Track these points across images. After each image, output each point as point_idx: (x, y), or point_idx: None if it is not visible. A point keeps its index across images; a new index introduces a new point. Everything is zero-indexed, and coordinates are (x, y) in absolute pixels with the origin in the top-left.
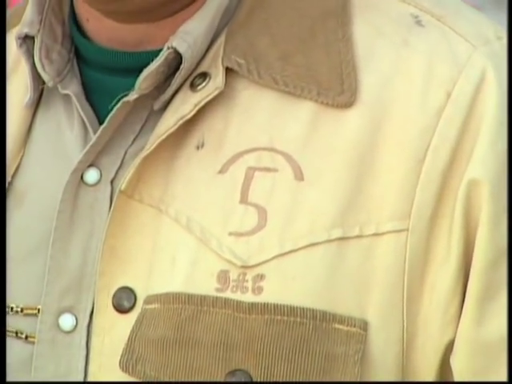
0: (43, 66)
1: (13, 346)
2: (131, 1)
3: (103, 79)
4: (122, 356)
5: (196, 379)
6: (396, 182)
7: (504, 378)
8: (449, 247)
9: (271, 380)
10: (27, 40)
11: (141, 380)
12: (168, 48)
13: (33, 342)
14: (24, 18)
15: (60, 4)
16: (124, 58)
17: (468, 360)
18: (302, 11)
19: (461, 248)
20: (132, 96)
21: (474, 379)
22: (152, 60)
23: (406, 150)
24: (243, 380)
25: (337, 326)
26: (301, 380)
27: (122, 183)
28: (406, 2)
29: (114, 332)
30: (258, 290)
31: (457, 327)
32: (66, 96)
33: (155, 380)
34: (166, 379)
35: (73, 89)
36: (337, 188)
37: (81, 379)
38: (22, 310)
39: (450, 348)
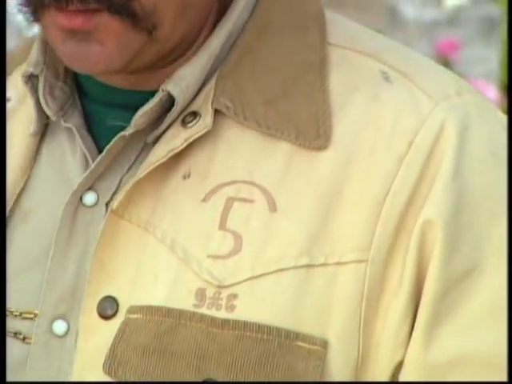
0: (47, 102)
1: (12, 346)
2: (129, 68)
3: (103, 112)
4: (105, 359)
5: None
6: (359, 219)
7: None
8: (401, 279)
9: None
10: (32, 78)
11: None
12: (162, 90)
13: (29, 343)
14: (30, 58)
15: None
16: (123, 95)
17: (415, 379)
18: (285, 63)
19: (413, 280)
20: (128, 131)
21: None
22: (147, 99)
23: (369, 192)
24: None
25: (299, 343)
26: None
27: (114, 203)
28: (377, 59)
29: (97, 336)
30: (230, 308)
31: (406, 350)
32: (70, 128)
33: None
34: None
35: (74, 122)
36: (306, 220)
37: (69, 379)
38: (20, 314)
39: (399, 368)
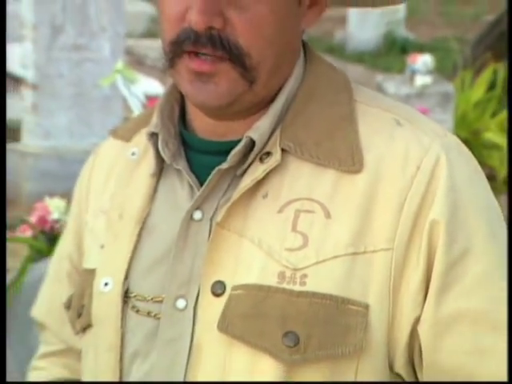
0: (164, 152)
1: (145, 322)
2: (229, 109)
3: (201, 158)
4: (218, 322)
5: (264, 338)
6: (386, 220)
7: (453, 342)
8: (418, 261)
9: (310, 338)
10: (153, 135)
11: (230, 337)
12: (246, 137)
13: (158, 318)
14: (151, 123)
15: (172, 114)
16: (215, 145)
17: (429, 328)
18: (325, 116)
19: (425, 261)
20: (224, 166)
21: (433, 341)
22: (232, 146)
23: (392, 201)
24: (293, 338)
25: (350, 306)
26: (329, 338)
27: (218, 218)
28: (389, 111)
29: (211, 308)
30: (303, 284)
31: (421, 309)
32: (178, 169)
33: (240, 337)
34: (246, 337)
35: (182, 164)
36: (351, 223)
37: (188, 341)
38: (152, 299)
39: (416, 321)
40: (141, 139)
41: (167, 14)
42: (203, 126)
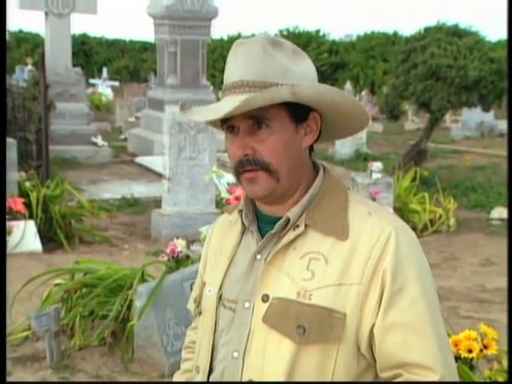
0: (246, 220)
1: (228, 313)
2: (269, 198)
3: (263, 225)
4: (263, 317)
5: (286, 328)
6: (358, 267)
7: (391, 339)
8: (375, 291)
9: (311, 330)
10: (241, 211)
11: (268, 326)
12: (286, 216)
13: (234, 312)
14: (240, 204)
15: (252, 199)
16: (270, 218)
17: (379, 330)
18: (331, 207)
19: (379, 292)
20: (273, 231)
21: (381, 337)
22: (279, 219)
23: (362, 257)
24: (302, 329)
25: (335, 314)
26: (322, 331)
27: (268, 259)
28: (366, 207)
29: (261, 309)
30: (310, 299)
31: (376, 319)
32: (252, 230)
33: (273, 326)
34: (277, 327)
35: (254, 227)
36: (339, 267)
37: (248, 326)
38: (232, 300)
39: (372, 325)
40: (235, 213)
41: (229, 152)
42: (263, 207)
